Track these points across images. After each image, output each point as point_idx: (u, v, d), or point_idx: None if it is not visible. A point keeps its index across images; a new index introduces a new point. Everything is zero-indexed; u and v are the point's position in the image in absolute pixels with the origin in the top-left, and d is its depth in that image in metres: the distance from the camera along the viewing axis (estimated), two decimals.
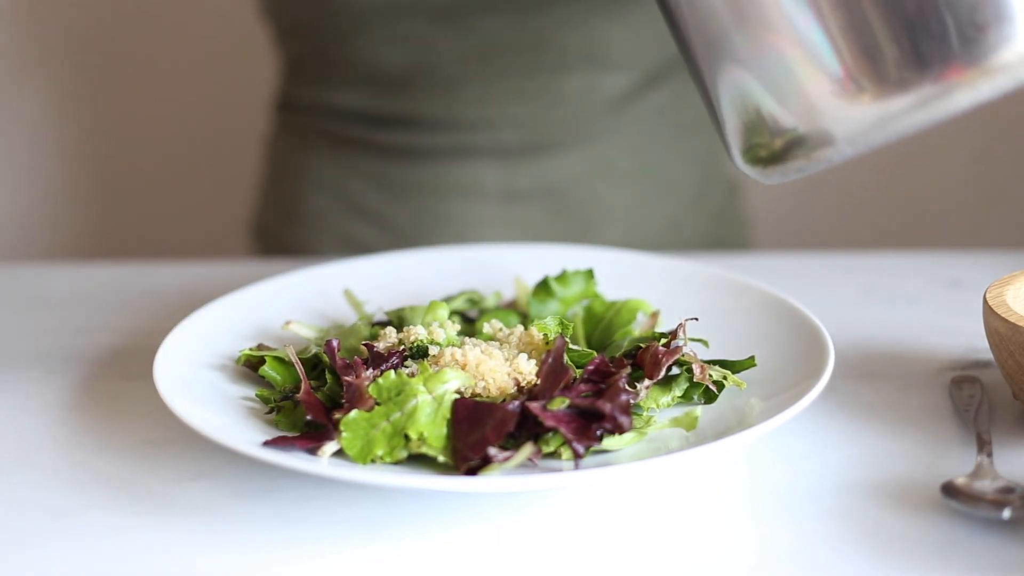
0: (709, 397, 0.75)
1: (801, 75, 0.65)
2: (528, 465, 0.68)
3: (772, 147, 0.69)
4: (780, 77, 0.66)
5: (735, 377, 0.75)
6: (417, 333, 0.76)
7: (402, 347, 0.75)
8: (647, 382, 0.73)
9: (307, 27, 1.17)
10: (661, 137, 1.21)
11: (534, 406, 0.68)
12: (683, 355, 0.74)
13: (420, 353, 0.75)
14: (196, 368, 0.78)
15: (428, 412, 0.69)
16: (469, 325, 0.85)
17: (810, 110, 0.66)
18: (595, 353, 0.74)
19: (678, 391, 0.75)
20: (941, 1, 0.61)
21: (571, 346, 0.75)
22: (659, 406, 0.74)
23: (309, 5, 1.13)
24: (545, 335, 0.75)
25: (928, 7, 0.62)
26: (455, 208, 1.17)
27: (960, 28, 0.61)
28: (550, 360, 0.71)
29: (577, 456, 0.67)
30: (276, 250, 1.27)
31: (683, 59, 0.73)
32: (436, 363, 0.73)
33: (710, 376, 0.74)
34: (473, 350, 0.73)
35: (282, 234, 1.26)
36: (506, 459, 0.67)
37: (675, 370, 0.76)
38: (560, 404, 0.69)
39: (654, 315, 0.85)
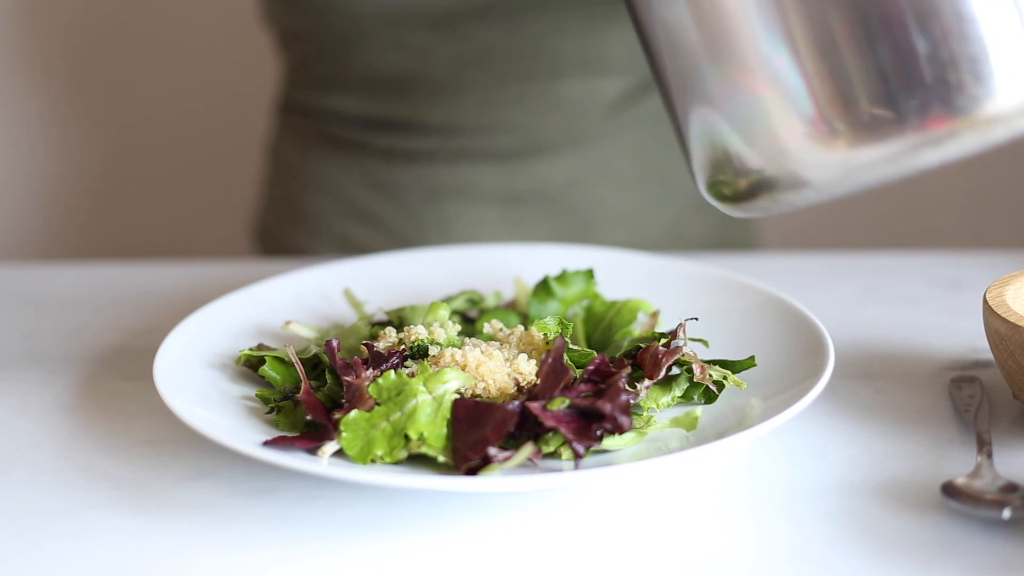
0: (709, 397, 0.75)
1: (773, 117, 0.64)
2: (528, 465, 0.68)
3: (736, 186, 0.68)
4: (751, 117, 0.65)
5: (735, 377, 0.75)
6: (417, 333, 0.76)
7: (402, 347, 0.75)
8: (647, 382, 0.73)
9: (306, 33, 1.17)
10: (663, 140, 1.20)
11: (534, 406, 0.68)
12: (683, 355, 0.74)
13: (420, 353, 0.75)
14: (196, 368, 0.78)
15: (428, 412, 0.69)
16: (469, 325, 0.85)
17: (779, 153, 0.64)
18: (595, 353, 0.74)
19: (678, 391, 0.75)
20: (921, 50, 0.60)
21: (571, 346, 0.75)
22: (659, 406, 0.74)
23: (307, 13, 1.14)
24: (545, 335, 0.75)
25: (908, 56, 0.60)
26: (454, 211, 1.18)
27: (942, 79, 0.60)
28: (550, 360, 0.71)
29: (577, 456, 0.67)
30: (277, 252, 1.27)
31: (657, 86, 0.71)
32: (436, 363, 0.73)
33: (710, 376, 0.74)
34: (473, 351, 0.73)
35: (283, 236, 1.26)
36: (506, 459, 0.67)
37: (675, 370, 0.76)
38: (560, 404, 0.69)
39: (654, 315, 0.85)
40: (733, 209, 0.70)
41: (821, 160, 0.63)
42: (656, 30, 0.68)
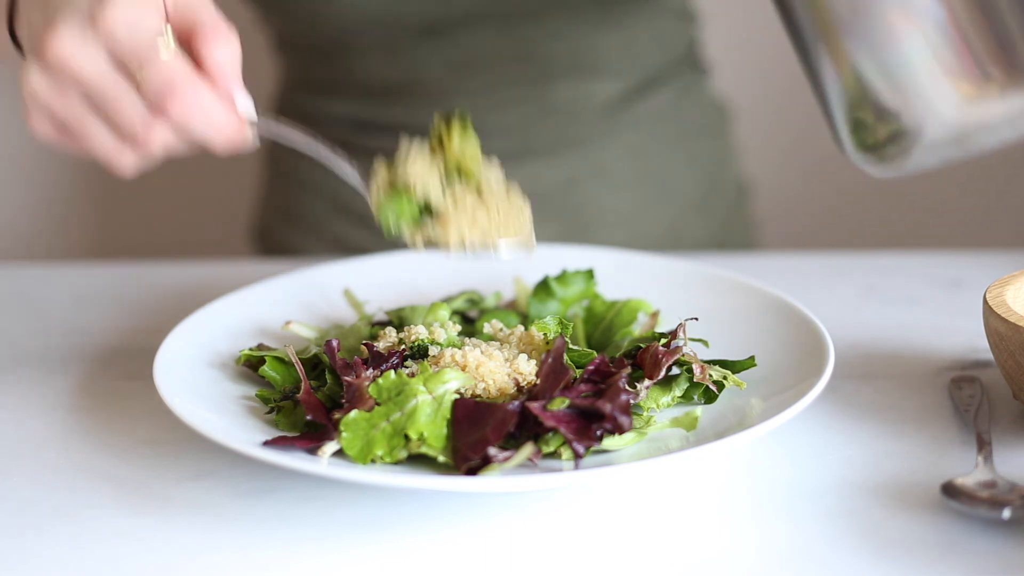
0: (709, 397, 0.75)
1: (922, 61, 0.61)
2: (528, 465, 0.68)
3: (878, 136, 0.66)
4: (898, 62, 0.63)
5: (735, 377, 0.75)
6: (417, 333, 0.76)
7: (402, 347, 0.75)
8: (647, 382, 0.73)
9: (299, 39, 1.17)
10: (661, 142, 1.20)
11: (534, 406, 0.68)
12: (683, 355, 0.74)
13: (420, 353, 0.75)
14: (196, 368, 0.78)
15: (428, 412, 0.68)
16: (469, 325, 0.84)
17: (926, 99, 0.62)
18: (595, 353, 0.74)
19: (678, 391, 0.75)
20: None
21: (571, 346, 0.75)
22: (659, 406, 0.74)
23: (298, 20, 1.14)
24: (545, 335, 0.75)
25: None
26: None
27: None
28: (550, 360, 0.71)
29: (577, 456, 0.67)
30: (277, 253, 1.27)
31: (790, 39, 0.69)
32: (436, 363, 0.73)
33: (710, 376, 0.74)
34: (473, 351, 0.73)
35: (281, 237, 1.26)
36: (506, 459, 0.67)
37: (675, 370, 0.76)
38: (560, 404, 0.69)
39: (654, 315, 0.85)
40: (877, 163, 0.68)
41: (970, 108, 0.61)
42: None
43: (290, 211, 1.24)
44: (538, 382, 0.71)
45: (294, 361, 0.75)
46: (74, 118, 0.71)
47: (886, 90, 0.64)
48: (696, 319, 0.79)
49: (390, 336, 0.77)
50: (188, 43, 0.70)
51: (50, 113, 0.71)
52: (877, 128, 0.66)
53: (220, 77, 0.70)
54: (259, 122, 0.72)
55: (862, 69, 0.65)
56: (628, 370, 0.72)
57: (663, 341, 0.76)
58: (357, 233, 1.20)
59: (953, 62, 0.61)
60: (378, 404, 0.69)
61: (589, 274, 0.88)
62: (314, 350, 0.79)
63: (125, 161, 0.72)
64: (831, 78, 0.67)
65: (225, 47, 0.71)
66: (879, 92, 0.65)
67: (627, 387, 0.70)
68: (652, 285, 0.90)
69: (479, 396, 0.71)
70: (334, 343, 0.75)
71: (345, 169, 0.76)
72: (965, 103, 0.62)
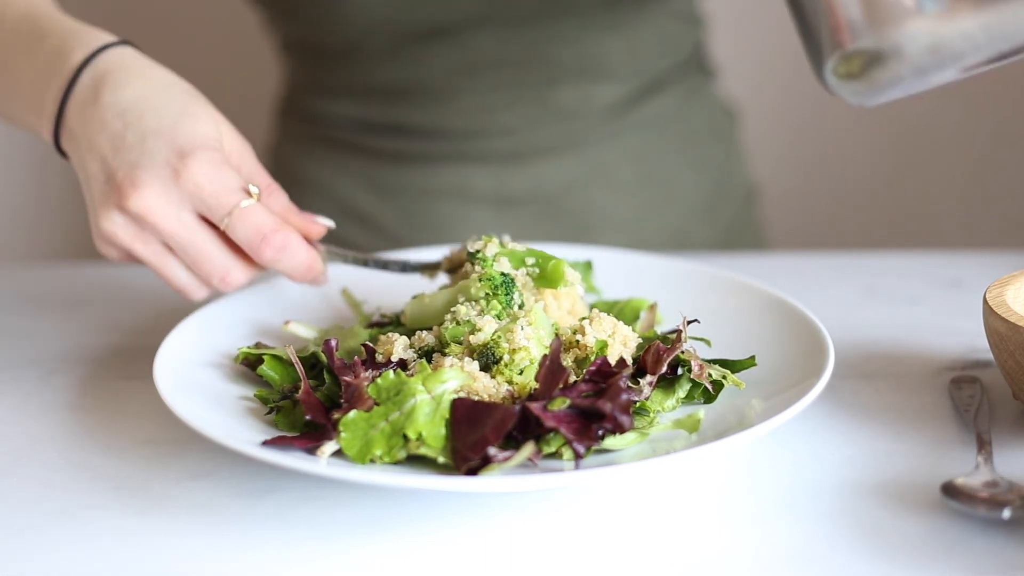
0: (708, 397, 0.75)
1: None
2: (528, 465, 0.68)
3: (858, 61, 0.67)
4: None
5: (734, 376, 0.75)
6: (426, 340, 0.76)
7: (411, 350, 0.75)
8: (649, 378, 0.73)
9: (306, 40, 1.17)
10: (665, 145, 1.20)
11: (534, 406, 0.68)
12: (682, 352, 0.74)
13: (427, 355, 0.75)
14: (196, 368, 0.78)
15: (427, 412, 0.68)
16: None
17: (899, 16, 0.63)
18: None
19: (681, 392, 0.75)
20: None
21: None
22: (664, 409, 0.74)
23: (306, 22, 1.14)
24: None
25: None
26: (447, 211, 1.17)
27: None
28: (547, 361, 0.71)
29: (578, 456, 0.67)
30: None
31: None
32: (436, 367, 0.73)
33: (709, 376, 0.74)
34: (471, 364, 0.72)
35: None
36: (506, 459, 0.67)
37: (678, 371, 0.76)
38: (561, 404, 0.69)
39: (652, 307, 0.85)
40: (855, 88, 0.69)
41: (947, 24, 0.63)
42: None
43: None
44: (536, 386, 0.71)
45: (294, 361, 0.75)
46: (152, 257, 0.79)
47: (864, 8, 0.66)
48: (697, 321, 0.79)
49: (398, 344, 0.76)
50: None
51: (126, 252, 0.79)
52: (854, 56, 0.67)
53: (296, 221, 0.81)
54: (323, 251, 0.84)
55: None
56: (629, 370, 0.72)
57: (668, 344, 0.75)
58: (361, 234, 1.20)
59: None
60: (377, 404, 0.69)
61: (587, 266, 0.87)
62: (313, 350, 0.79)
63: (200, 294, 0.81)
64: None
65: (281, 196, 0.82)
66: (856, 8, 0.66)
67: (629, 385, 0.70)
68: (652, 285, 0.90)
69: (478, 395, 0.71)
70: (332, 343, 0.75)
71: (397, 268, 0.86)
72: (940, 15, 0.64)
